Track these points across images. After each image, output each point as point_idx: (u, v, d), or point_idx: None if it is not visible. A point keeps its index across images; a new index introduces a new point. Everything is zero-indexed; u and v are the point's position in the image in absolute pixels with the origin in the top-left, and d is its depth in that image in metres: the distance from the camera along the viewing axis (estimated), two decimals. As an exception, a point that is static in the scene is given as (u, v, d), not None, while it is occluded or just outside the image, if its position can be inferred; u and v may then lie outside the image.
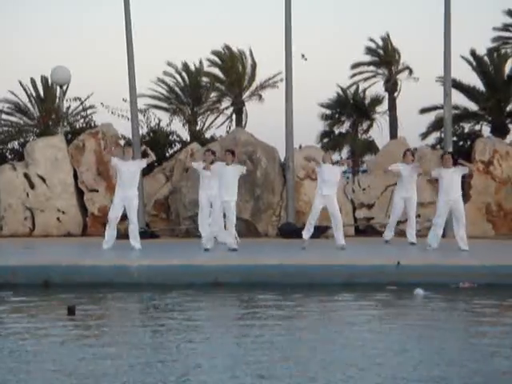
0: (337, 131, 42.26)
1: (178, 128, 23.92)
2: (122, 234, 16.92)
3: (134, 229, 15.94)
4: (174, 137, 22.70)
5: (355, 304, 10.97)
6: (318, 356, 7.50)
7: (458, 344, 8.24)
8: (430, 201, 19.62)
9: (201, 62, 35.40)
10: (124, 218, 16.26)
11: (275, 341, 8.21)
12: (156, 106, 33.28)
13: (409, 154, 17.37)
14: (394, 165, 17.34)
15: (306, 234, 16.25)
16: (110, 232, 15.90)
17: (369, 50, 40.22)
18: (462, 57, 27.14)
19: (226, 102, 37.53)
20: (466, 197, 18.74)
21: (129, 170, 15.76)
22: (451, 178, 15.72)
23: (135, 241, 15.87)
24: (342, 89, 41.14)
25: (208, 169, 15.86)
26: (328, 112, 41.96)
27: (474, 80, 27.82)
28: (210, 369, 7.00)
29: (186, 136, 23.52)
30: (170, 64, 34.76)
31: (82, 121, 24.28)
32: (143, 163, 16.29)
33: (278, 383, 6.57)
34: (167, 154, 22.18)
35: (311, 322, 9.62)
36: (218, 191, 15.48)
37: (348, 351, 7.74)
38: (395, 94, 40.20)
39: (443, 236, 18.89)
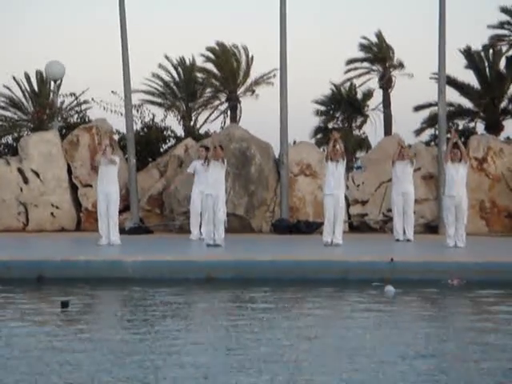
0: (330, 127, 42.34)
1: (173, 123, 23.89)
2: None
3: (112, 223, 15.96)
4: (169, 132, 22.68)
5: (346, 301, 11.01)
6: (307, 353, 7.53)
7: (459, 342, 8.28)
8: (424, 197, 19.64)
9: (193, 58, 35.42)
10: (120, 212, 16.34)
11: (265, 336, 8.23)
12: (150, 102, 33.31)
13: (402, 151, 17.31)
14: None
15: None
16: (101, 225, 15.97)
17: (363, 47, 40.22)
18: (457, 53, 27.22)
19: (220, 98, 37.58)
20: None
21: (106, 167, 15.86)
22: (456, 172, 15.52)
23: (113, 234, 15.88)
24: (335, 86, 41.20)
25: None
26: (322, 108, 42.06)
27: (468, 77, 27.91)
28: (200, 365, 7.02)
29: (180, 131, 23.53)
30: (165, 59, 34.81)
31: (76, 116, 24.24)
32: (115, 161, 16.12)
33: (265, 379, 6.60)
34: (161, 150, 22.18)
35: (303, 318, 9.62)
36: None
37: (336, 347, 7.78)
38: (389, 91, 40.24)
39: (437, 233, 18.98)
